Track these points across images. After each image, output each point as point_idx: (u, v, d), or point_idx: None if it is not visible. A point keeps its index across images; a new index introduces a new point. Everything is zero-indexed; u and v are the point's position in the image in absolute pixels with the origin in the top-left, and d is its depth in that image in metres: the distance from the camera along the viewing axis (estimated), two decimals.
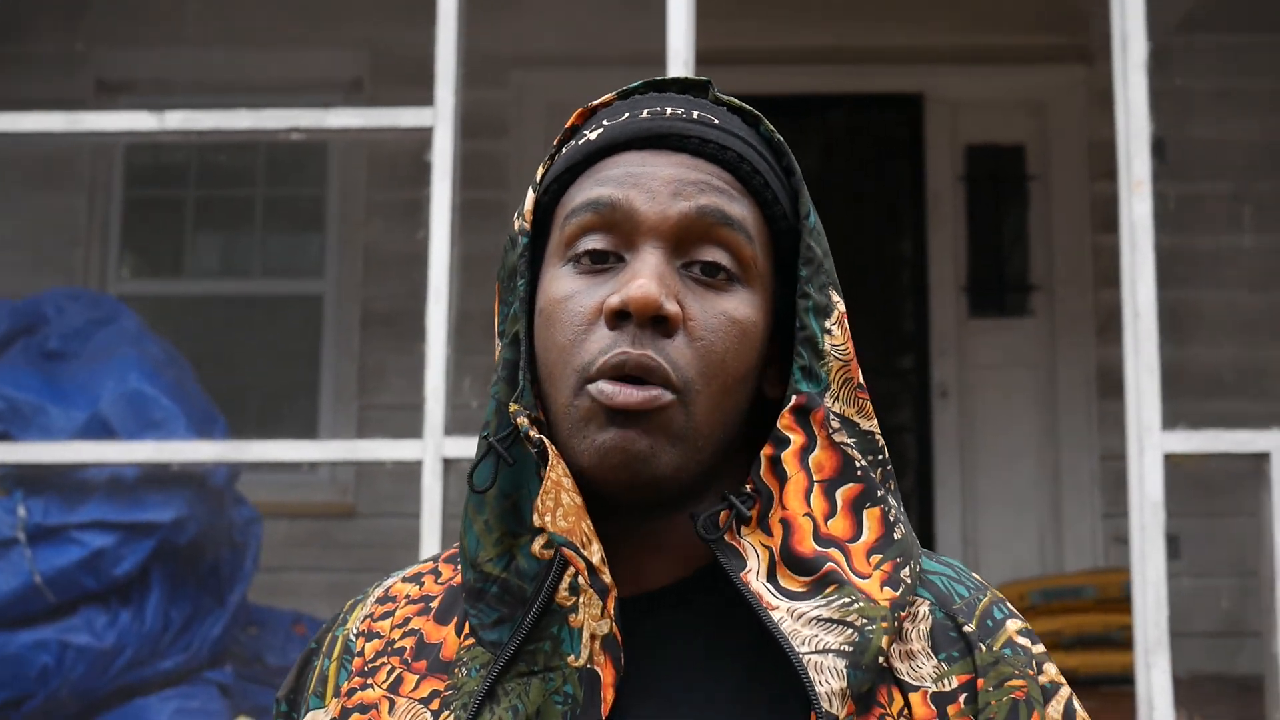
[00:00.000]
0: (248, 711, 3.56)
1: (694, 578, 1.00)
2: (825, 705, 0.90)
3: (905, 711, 0.94)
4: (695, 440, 0.95)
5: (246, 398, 5.62)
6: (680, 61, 3.17)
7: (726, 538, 0.96)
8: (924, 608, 0.99)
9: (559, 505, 0.93)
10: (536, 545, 0.97)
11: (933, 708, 0.95)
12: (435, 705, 0.98)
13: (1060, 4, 5.58)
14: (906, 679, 0.95)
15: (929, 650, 0.97)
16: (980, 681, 0.96)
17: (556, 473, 0.93)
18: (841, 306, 1.00)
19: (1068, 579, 5.08)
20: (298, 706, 1.09)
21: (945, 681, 0.96)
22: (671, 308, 0.94)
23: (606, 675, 0.93)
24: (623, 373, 0.93)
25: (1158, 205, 3.12)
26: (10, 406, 3.49)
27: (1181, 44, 5.02)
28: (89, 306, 3.88)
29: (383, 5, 5.33)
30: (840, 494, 0.98)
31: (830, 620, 0.93)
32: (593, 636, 0.94)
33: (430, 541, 3.03)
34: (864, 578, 0.95)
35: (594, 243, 0.98)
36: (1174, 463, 3.04)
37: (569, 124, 1.06)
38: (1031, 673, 0.98)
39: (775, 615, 0.93)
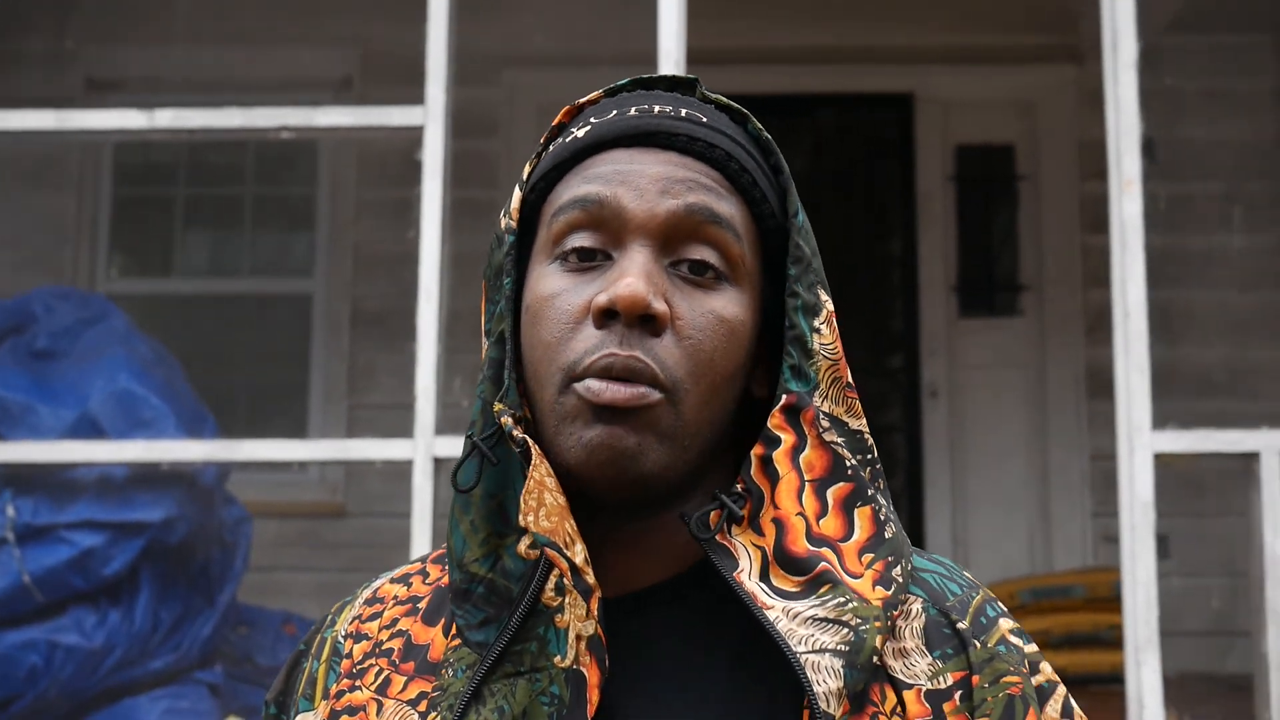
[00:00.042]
0: (238, 711, 3.55)
1: (681, 577, 0.99)
2: (824, 705, 0.90)
3: (899, 709, 0.94)
4: (683, 439, 0.94)
5: (236, 397, 5.61)
6: (671, 61, 3.17)
7: (718, 538, 0.95)
8: (917, 605, 0.99)
9: (542, 505, 0.92)
10: (522, 545, 0.97)
11: (927, 705, 0.94)
12: (423, 707, 0.98)
13: (1050, 4, 5.58)
14: (900, 677, 0.95)
15: (923, 648, 0.97)
16: (975, 678, 0.96)
17: (539, 472, 0.92)
18: (830, 306, 1.00)
19: (1057, 578, 5.09)
20: (287, 709, 1.08)
21: (940, 679, 0.96)
22: (659, 307, 0.93)
23: (591, 676, 0.93)
24: (610, 374, 0.92)
25: (1148, 205, 3.13)
26: None
27: (1171, 44, 5.03)
28: (78, 305, 3.86)
29: (372, 4, 5.32)
30: (831, 493, 0.97)
31: (825, 620, 0.93)
32: (578, 637, 0.93)
33: (421, 541, 3.02)
34: (856, 577, 0.95)
35: (581, 241, 0.97)
36: (1163, 463, 3.05)
37: (556, 121, 1.05)
38: (1025, 671, 0.98)
39: (771, 615, 0.93)
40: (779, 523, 0.96)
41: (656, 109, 1.00)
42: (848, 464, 0.98)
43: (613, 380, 0.92)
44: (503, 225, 1.02)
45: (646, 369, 0.93)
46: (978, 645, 0.97)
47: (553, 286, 0.97)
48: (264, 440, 3.30)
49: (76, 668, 3.35)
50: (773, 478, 0.96)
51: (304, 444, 3.70)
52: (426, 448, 3.08)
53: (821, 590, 0.94)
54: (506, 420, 0.95)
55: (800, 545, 0.95)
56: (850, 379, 1.00)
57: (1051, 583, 5.02)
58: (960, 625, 0.98)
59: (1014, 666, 0.97)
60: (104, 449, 3.31)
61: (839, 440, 0.98)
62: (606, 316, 0.93)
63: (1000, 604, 1.03)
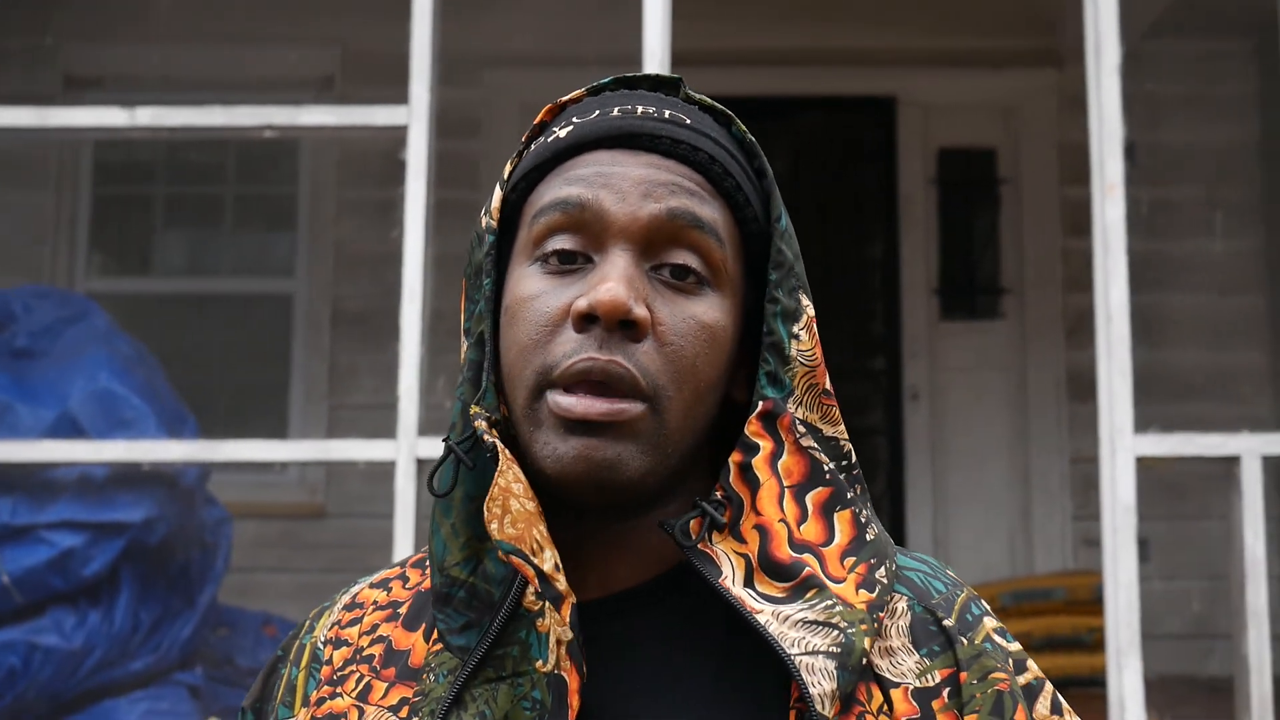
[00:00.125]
0: (218, 713, 3.54)
1: (662, 579, 0.99)
2: (819, 707, 0.89)
3: (885, 708, 0.94)
4: (665, 446, 0.94)
5: (216, 397, 5.59)
6: (656, 61, 3.17)
7: (700, 546, 0.95)
8: (902, 603, 0.98)
9: (507, 512, 0.91)
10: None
11: (914, 704, 0.94)
12: (404, 713, 0.97)
13: (1031, 8, 5.60)
14: (886, 675, 0.95)
15: (909, 646, 0.96)
16: (963, 675, 0.96)
17: (505, 479, 0.92)
18: (811, 311, 1.00)
19: (1038, 581, 5.10)
20: (264, 715, 1.07)
21: (928, 677, 0.95)
22: (640, 312, 0.92)
23: (572, 681, 0.92)
24: (588, 378, 0.92)
25: (1129, 209, 3.14)
26: None
27: (1151, 49, 5.04)
28: (58, 304, 3.85)
29: (354, 3, 5.31)
30: (810, 498, 0.97)
31: (816, 622, 0.92)
32: (559, 642, 0.92)
33: (404, 543, 3.01)
34: (839, 582, 0.95)
35: (562, 243, 0.96)
36: (1144, 466, 3.06)
37: (538, 120, 1.04)
38: (1010, 669, 0.98)
39: (761, 618, 0.92)
40: (762, 529, 0.96)
41: (639, 110, 0.99)
42: (825, 468, 0.98)
43: (587, 390, 0.91)
44: (483, 224, 1.01)
45: (627, 374, 0.92)
46: (964, 642, 0.97)
47: (532, 288, 0.96)
48: (246, 441, 3.28)
49: (56, 669, 3.33)
50: (753, 484, 0.96)
51: (286, 444, 3.68)
52: (409, 448, 3.07)
53: (808, 595, 0.94)
54: (480, 424, 0.94)
55: (784, 551, 0.95)
56: (828, 385, 1.00)
57: (1032, 585, 5.04)
58: (946, 622, 0.98)
59: (1000, 664, 0.97)
60: (84, 449, 3.29)
61: (815, 446, 0.98)
62: (586, 321, 0.92)
63: (984, 603, 1.03)
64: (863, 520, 0.98)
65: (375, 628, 1.04)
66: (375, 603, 1.07)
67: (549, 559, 0.92)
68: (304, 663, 1.06)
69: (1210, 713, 4.25)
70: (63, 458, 3.29)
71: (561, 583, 0.92)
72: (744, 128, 1.03)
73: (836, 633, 0.92)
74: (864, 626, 0.93)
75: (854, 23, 5.64)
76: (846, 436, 1.00)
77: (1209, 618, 5.01)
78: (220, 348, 5.74)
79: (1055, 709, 0.99)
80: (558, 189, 0.97)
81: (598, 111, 1.00)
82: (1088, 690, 4.15)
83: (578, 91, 1.05)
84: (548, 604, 0.93)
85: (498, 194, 1.02)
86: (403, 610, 1.05)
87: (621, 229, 0.95)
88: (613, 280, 0.92)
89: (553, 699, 0.92)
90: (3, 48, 5.47)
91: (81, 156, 5.69)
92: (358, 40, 5.45)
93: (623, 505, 0.95)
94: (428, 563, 1.06)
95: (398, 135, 3.24)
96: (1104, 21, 3.18)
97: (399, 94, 3.26)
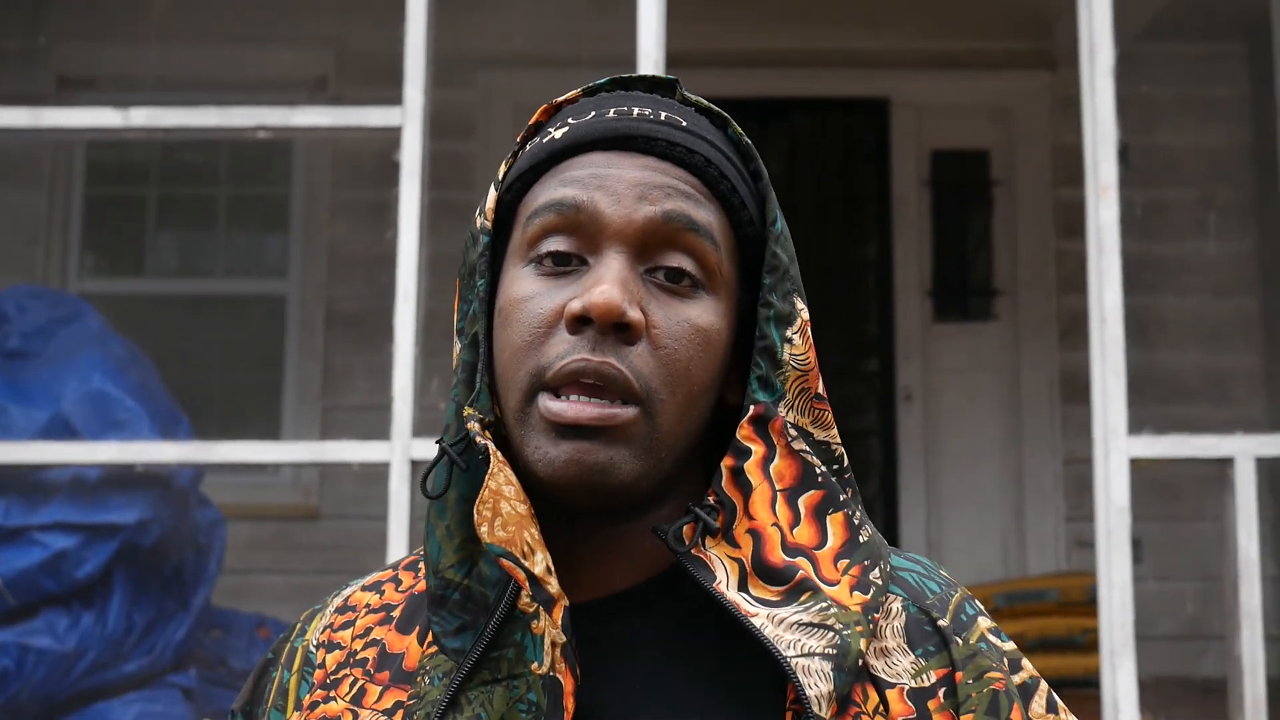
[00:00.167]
0: (211, 715, 3.53)
1: (655, 581, 0.99)
2: (816, 709, 0.89)
3: (881, 708, 0.93)
4: (658, 450, 0.93)
5: (209, 398, 5.58)
6: (650, 62, 3.16)
7: (694, 551, 0.95)
8: (897, 604, 0.98)
9: (497, 515, 0.91)
10: None
11: (910, 704, 0.94)
12: (399, 717, 0.96)
13: (1025, 10, 5.61)
14: (882, 676, 0.95)
15: (904, 646, 0.96)
16: (959, 675, 0.96)
17: (496, 481, 0.91)
18: (805, 314, 0.99)
19: (1030, 582, 5.11)
20: (255, 719, 1.07)
21: (923, 677, 0.95)
22: (634, 315, 0.92)
23: (567, 683, 0.92)
24: (580, 380, 0.91)
25: (1124, 211, 3.14)
26: None
27: (1145, 51, 5.05)
28: (51, 305, 3.84)
29: (349, 4, 5.31)
30: (802, 501, 0.97)
31: (811, 625, 0.92)
32: (553, 644, 0.92)
33: (398, 544, 3.01)
34: (833, 584, 0.95)
35: (556, 244, 0.96)
36: (1137, 467, 3.07)
37: (533, 120, 1.04)
38: (1005, 669, 0.98)
39: (756, 622, 0.92)
40: (755, 533, 0.95)
41: (635, 111, 0.99)
42: (817, 471, 0.98)
43: (579, 391, 0.91)
44: (478, 225, 1.00)
45: (620, 376, 0.91)
46: (959, 642, 0.97)
47: (526, 290, 0.96)
48: (240, 442, 3.28)
49: (48, 671, 3.32)
50: (745, 489, 0.96)
51: (280, 446, 3.67)
52: (403, 450, 3.07)
53: (802, 597, 0.93)
54: (473, 425, 0.94)
55: (777, 556, 0.95)
56: (821, 389, 0.99)
57: (1025, 587, 5.05)
58: (941, 622, 0.98)
59: (995, 663, 0.97)
60: (77, 450, 3.28)
61: (807, 449, 0.98)
62: (580, 323, 0.92)
63: (978, 603, 1.03)
64: (856, 522, 0.98)
65: (368, 631, 1.04)
66: (368, 605, 1.06)
67: (540, 562, 0.91)
68: (296, 666, 1.05)
69: (1204, 713, 4.25)
70: (56, 459, 3.29)
71: (553, 585, 0.91)
72: (740, 130, 1.02)
73: (832, 634, 0.92)
74: (859, 628, 0.93)
75: (848, 25, 5.65)
76: (839, 441, 1.00)
77: (1202, 619, 5.02)
78: (214, 349, 5.73)
79: (1051, 707, 0.99)
80: (553, 190, 0.97)
81: (593, 112, 0.99)
82: (1081, 691, 4.15)
83: (573, 92, 1.04)
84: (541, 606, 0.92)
85: (492, 194, 1.01)
86: (396, 613, 1.04)
87: (616, 231, 0.95)
88: (607, 283, 0.92)
89: (548, 701, 0.91)
90: None
91: (75, 157, 5.69)
92: (352, 41, 5.45)
93: (615, 509, 0.95)
94: (420, 565, 1.06)
95: (392, 136, 3.24)
96: (1098, 24, 3.19)
97: (393, 95, 3.26)
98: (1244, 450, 3.07)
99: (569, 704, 0.91)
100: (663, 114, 0.99)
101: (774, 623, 0.92)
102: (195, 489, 3.70)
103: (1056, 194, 5.62)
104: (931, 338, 5.84)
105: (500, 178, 1.02)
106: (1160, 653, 4.76)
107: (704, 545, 0.95)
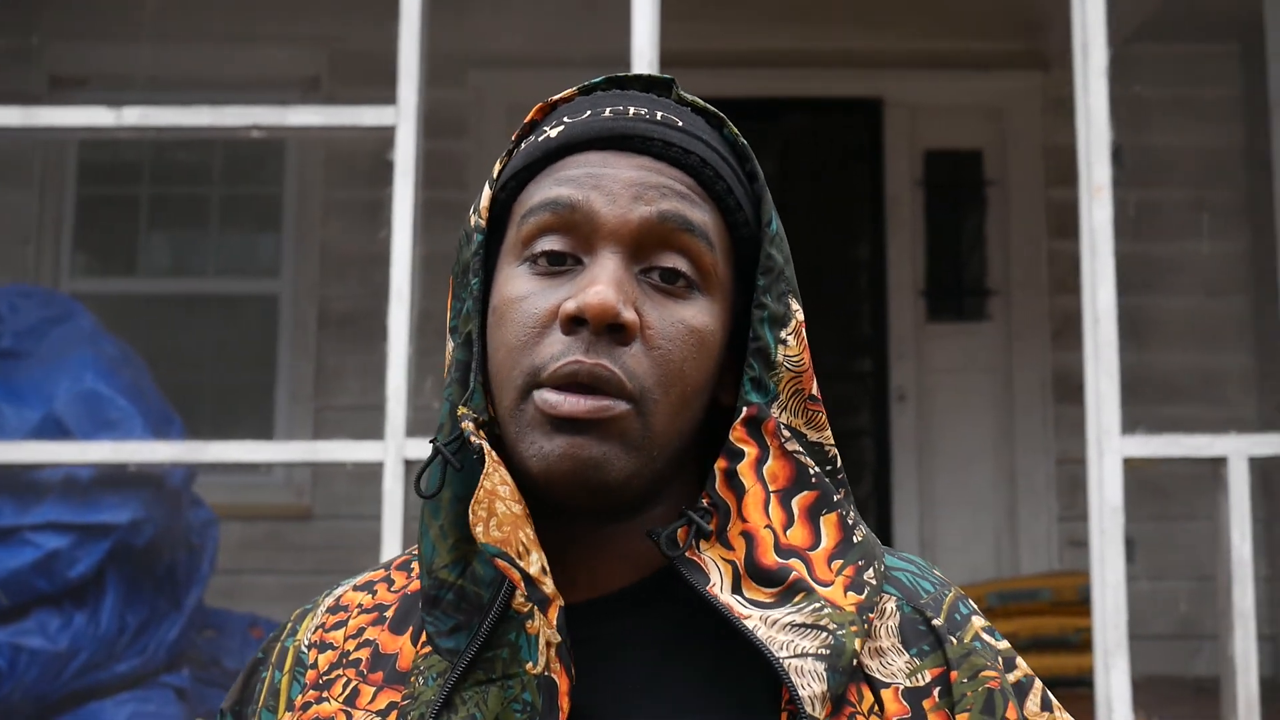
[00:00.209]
0: (204, 715, 3.53)
1: (647, 582, 0.98)
2: (809, 709, 0.89)
3: (876, 708, 0.93)
4: (651, 450, 0.93)
5: (202, 398, 5.57)
6: (644, 62, 3.17)
7: (687, 554, 0.95)
8: (891, 604, 0.98)
9: (493, 515, 0.91)
10: None
11: (905, 704, 0.94)
12: (393, 717, 0.96)
13: (1018, 11, 5.62)
14: (877, 676, 0.95)
15: (899, 646, 0.96)
16: (953, 674, 0.96)
17: (491, 481, 0.91)
18: (800, 315, 0.99)
19: (1023, 582, 5.12)
20: (245, 718, 1.06)
21: (918, 676, 0.95)
22: (629, 316, 0.92)
23: (562, 683, 0.91)
24: (574, 381, 0.91)
25: (1116, 211, 3.15)
26: None
27: (1138, 52, 5.06)
28: (43, 304, 3.83)
29: (342, 3, 5.30)
30: (796, 502, 0.97)
31: (804, 625, 0.92)
32: (548, 644, 0.92)
33: (392, 544, 3.01)
34: (827, 585, 0.95)
35: (551, 244, 0.95)
36: (1131, 467, 3.07)
37: (528, 119, 1.03)
38: (1000, 667, 0.98)
39: (749, 624, 0.92)
40: (748, 536, 0.95)
41: (631, 111, 0.99)
42: (811, 472, 0.98)
43: (574, 391, 0.91)
44: (472, 223, 1.00)
45: (613, 377, 0.91)
46: (954, 641, 0.97)
47: (520, 289, 0.95)
48: (232, 442, 3.27)
49: (41, 671, 3.32)
50: (738, 491, 0.96)
51: (274, 445, 3.67)
52: (397, 449, 3.07)
53: (796, 599, 0.93)
54: (467, 425, 0.94)
55: (770, 558, 0.95)
56: (815, 391, 0.99)
57: (1018, 586, 5.05)
58: (935, 622, 0.98)
59: (989, 662, 0.97)
60: (69, 450, 3.28)
61: (800, 450, 0.98)
62: (574, 323, 0.92)
63: (971, 602, 1.03)
64: (849, 523, 0.98)
65: (361, 631, 1.03)
66: (360, 605, 1.06)
67: (535, 561, 0.91)
68: (287, 666, 1.05)
69: (1197, 713, 4.26)
70: (48, 459, 3.28)
71: (548, 585, 0.91)
72: (736, 130, 1.02)
73: (825, 635, 0.92)
74: (853, 628, 0.92)
75: (841, 25, 5.65)
76: (832, 442, 1.00)
77: (1195, 618, 5.02)
78: (207, 348, 5.73)
79: (1045, 706, 0.99)
80: (548, 189, 0.96)
81: (589, 111, 0.99)
82: (1074, 690, 4.16)
83: (569, 91, 1.04)
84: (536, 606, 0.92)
85: (487, 193, 1.01)
86: (389, 613, 1.04)
87: (611, 231, 0.94)
88: (602, 283, 0.92)
89: (543, 701, 0.91)
90: None
91: (67, 156, 5.68)
92: (345, 40, 5.44)
93: (609, 508, 0.94)
94: (413, 565, 1.06)
95: (385, 135, 3.24)
96: (1091, 25, 3.19)
97: (387, 94, 3.26)
98: (1237, 450, 3.08)
99: (564, 704, 0.91)
100: (659, 114, 0.99)
101: (767, 624, 0.92)
102: (188, 489, 3.70)
103: (1049, 194, 5.63)
104: (925, 338, 5.84)
105: (495, 176, 1.02)
106: (1153, 652, 4.77)
107: (698, 548, 0.95)
